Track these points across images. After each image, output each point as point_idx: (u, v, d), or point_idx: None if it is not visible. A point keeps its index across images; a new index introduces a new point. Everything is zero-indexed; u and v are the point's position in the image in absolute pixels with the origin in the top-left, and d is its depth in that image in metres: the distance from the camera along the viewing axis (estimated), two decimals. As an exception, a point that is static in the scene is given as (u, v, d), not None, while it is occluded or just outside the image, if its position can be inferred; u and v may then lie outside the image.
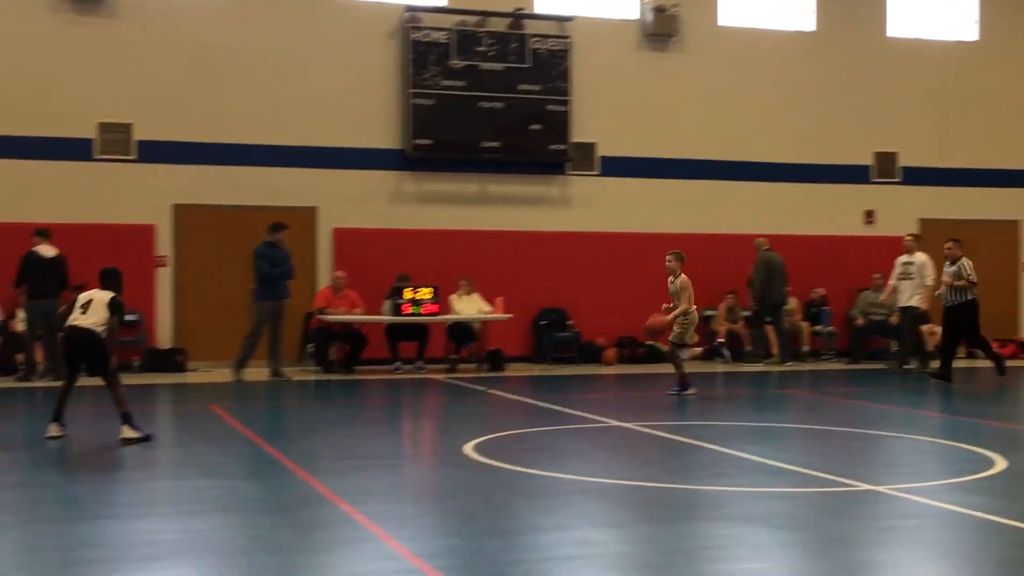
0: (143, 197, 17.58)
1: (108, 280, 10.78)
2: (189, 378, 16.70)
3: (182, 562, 6.16)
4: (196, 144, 17.85)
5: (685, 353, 14.51)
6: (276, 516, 7.33)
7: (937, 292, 16.17)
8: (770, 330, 18.97)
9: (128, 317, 17.24)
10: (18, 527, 7.00)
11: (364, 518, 7.10)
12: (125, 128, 17.56)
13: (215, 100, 17.96)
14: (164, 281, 17.81)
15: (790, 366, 18.52)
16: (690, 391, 14.08)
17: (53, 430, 10.42)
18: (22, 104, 17.12)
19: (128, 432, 10.26)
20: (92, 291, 10.68)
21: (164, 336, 17.73)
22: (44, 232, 15.89)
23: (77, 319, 10.40)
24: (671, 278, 14.13)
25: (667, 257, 14.17)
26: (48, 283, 15.68)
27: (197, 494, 8.01)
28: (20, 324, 16.46)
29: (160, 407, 14.26)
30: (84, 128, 17.36)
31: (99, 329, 10.37)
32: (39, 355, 16.11)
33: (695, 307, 14.06)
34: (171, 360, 17.27)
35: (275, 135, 18.20)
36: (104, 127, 17.48)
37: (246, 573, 5.95)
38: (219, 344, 17.51)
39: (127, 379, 16.13)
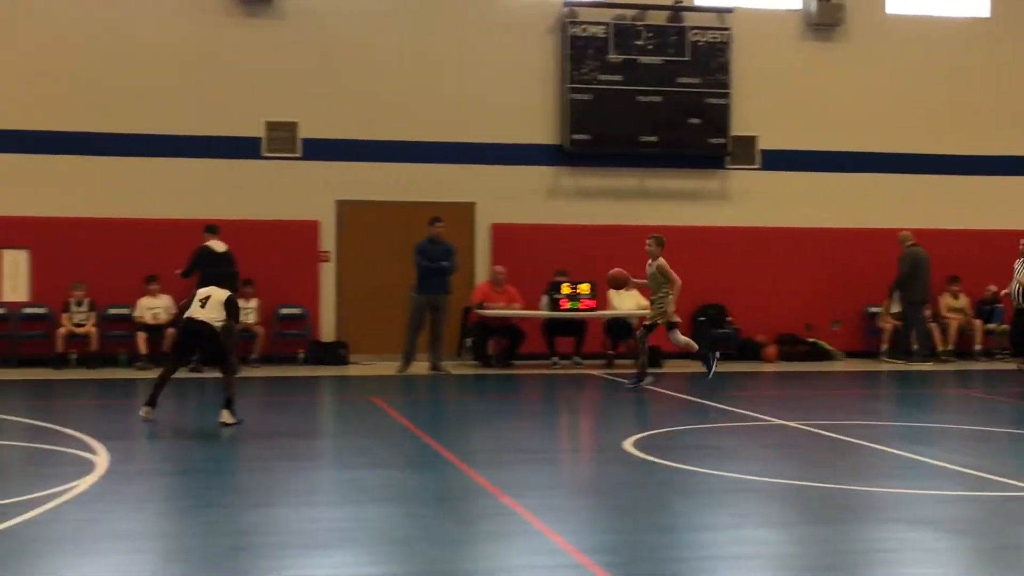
0: (307, 193, 18.03)
1: (226, 281, 11.57)
2: (351, 371, 17.06)
3: (348, 550, 6.28)
4: (358, 141, 18.21)
5: (679, 334, 14.32)
6: (438, 507, 7.41)
7: (1003, 291, 15.75)
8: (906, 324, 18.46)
9: (293, 311, 17.80)
10: (194, 511, 7.25)
11: (525, 511, 7.13)
12: (291, 127, 18.05)
13: (377, 98, 18.29)
14: (327, 276, 18.23)
15: (942, 365, 17.89)
16: (647, 381, 14.14)
17: (144, 412, 10.99)
18: (194, 104, 17.73)
19: (227, 416, 10.79)
20: (211, 288, 11.26)
21: (327, 329, 18.15)
22: (214, 228, 16.44)
23: (196, 312, 10.99)
24: (649, 261, 14.17)
25: (647, 241, 14.26)
26: (220, 277, 16.18)
27: (361, 484, 8.16)
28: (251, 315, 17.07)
29: (324, 399, 14.60)
30: (252, 127, 17.90)
31: (216, 324, 10.91)
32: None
33: (678, 292, 14.10)
34: (334, 353, 17.67)
35: (434, 132, 18.43)
36: (271, 126, 17.99)
37: (410, 562, 6.04)
38: (380, 338, 17.84)
39: (293, 371, 16.71)
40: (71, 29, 17.46)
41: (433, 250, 16.58)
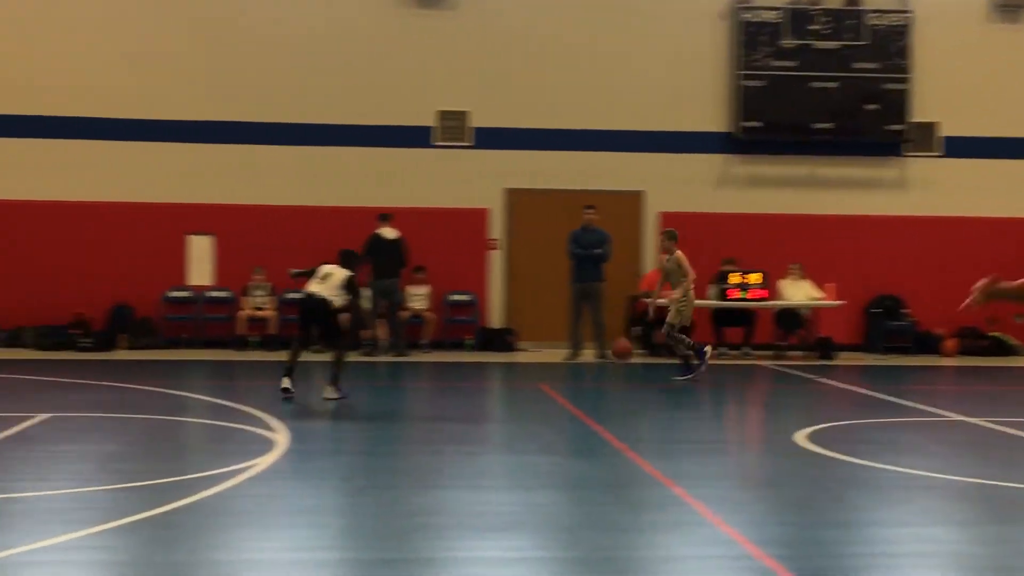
0: (477, 182, 18.25)
1: (347, 260, 11.78)
2: (518, 357, 17.21)
3: (518, 534, 6.34)
4: (528, 130, 18.33)
5: (686, 338, 13.85)
6: (607, 494, 7.42)
7: None
8: None
9: (462, 297, 18.05)
10: (368, 491, 7.44)
11: (694, 500, 7.07)
12: (462, 116, 18.29)
13: (546, 86, 18.36)
14: (496, 263, 18.42)
15: None
16: (702, 368, 13.59)
17: (285, 382, 11.43)
18: (368, 95, 18.14)
19: (330, 392, 11.35)
20: (333, 266, 11.58)
21: (495, 316, 18.35)
22: (386, 216, 16.79)
23: (314, 286, 11.40)
24: (666, 256, 13.80)
25: (661, 236, 14.16)
26: (390, 264, 16.60)
27: (531, 469, 8.23)
28: (365, 302, 17.50)
29: (492, 385, 14.76)
30: (424, 116, 18.20)
31: (334, 301, 11.31)
32: (382, 331, 17.08)
33: (693, 287, 13.75)
34: (502, 340, 17.85)
35: (603, 120, 18.41)
36: (443, 115, 18.27)
37: (579, 549, 6.07)
38: (547, 325, 17.95)
39: (461, 357, 16.95)
40: (248, 24, 18.07)
41: (586, 238, 16.63)
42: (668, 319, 13.82)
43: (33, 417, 10.08)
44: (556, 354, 16.81)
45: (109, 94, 17.66)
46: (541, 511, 6.93)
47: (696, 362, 13.68)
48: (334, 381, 11.35)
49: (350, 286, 11.47)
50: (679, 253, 13.79)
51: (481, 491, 7.49)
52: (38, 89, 17.55)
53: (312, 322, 11.68)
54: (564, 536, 6.33)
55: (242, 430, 9.60)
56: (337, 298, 11.31)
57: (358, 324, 11.57)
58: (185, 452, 9.18)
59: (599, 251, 16.57)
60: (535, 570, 5.70)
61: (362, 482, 7.74)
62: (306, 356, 16.28)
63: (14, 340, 17.04)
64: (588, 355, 16.54)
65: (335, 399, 11.27)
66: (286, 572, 5.53)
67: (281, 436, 9.21)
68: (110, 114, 17.67)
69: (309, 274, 11.82)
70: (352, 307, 11.48)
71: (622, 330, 17.83)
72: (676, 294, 13.75)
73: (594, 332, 16.61)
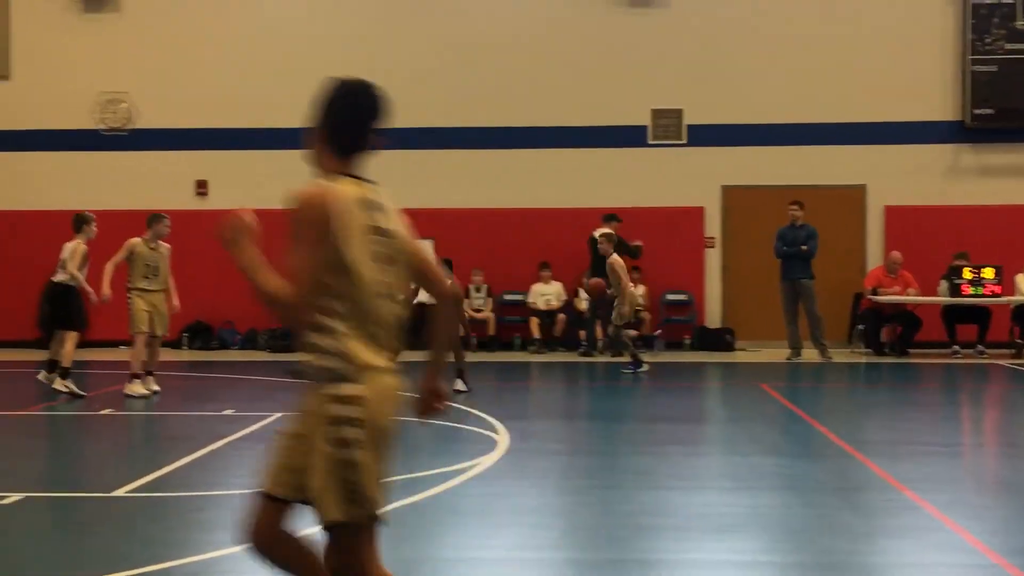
0: (693, 180, 18.03)
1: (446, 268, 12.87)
2: (738, 357, 16.91)
3: (745, 536, 6.21)
4: (743, 126, 18.00)
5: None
6: (836, 498, 7.18)
7: None
8: None
9: (679, 297, 17.88)
10: (591, 491, 7.43)
11: (929, 506, 6.77)
12: (676, 114, 18.11)
13: (761, 81, 17.97)
14: (712, 261, 18.16)
15: None
16: (643, 369, 13.96)
17: (460, 386, 12.14)
18: (581, 96, 18.18)
19: (459, 385, 12.06)
20: None
21: (713, 315, 18.09)
22: (612, 217, 16.80)
23: (421, 296, 12.36)
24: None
25: (599, 238, 14.46)
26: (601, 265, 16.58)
27: (756, 471, 8.06)
28: (583, 303, 17.57)
29: (711, 384, 14.56)
30: (639, 116, 18.12)
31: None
32: (599, 332, 17.13)
33: (631, 287, 14.28)
34: (720, 339, 17.58)
35: (822, 113, 17.88)
36: (657, 113, 18.14)
37: (811, 553, 5.89)
38: (766, 324, 17.56)
39: (680, 357, 16.77)
40: (468, 30, 18.39)
41: (793, 234, 16.19)
42: (613, 319, 14.26)
43: (269, 416, 10.53)
44: (776, 353, 16.43)
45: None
46: (767, 513, 6.77)
47: (641, 365, 14.11)
48: (460, 375, 12.15)
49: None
50: (614, 257, 14.23)
51: (704, 492, 7.38)
52: (272, 103, 18.33)
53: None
54: (793, 539, 6.16)
55: (465, 430, 9.76)
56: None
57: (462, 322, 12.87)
58: (410, 451, 9.36)
59: (805, 248, 16.11)
60: (763, 573, 5.56)
61: (584, 482, 7.74)
62: (525, 357, 16.48)
63: (249, 343, 17.89)
64: (811, 355, 16.08)
65: (463, 391, 12.01)
66: (511, 571, 5.57)
67: (503, 436, 9.32)
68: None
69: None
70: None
71: (846, 328, 17.32)
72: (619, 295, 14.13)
73: (811, 330, 16.16)
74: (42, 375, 12.24)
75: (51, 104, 18.46)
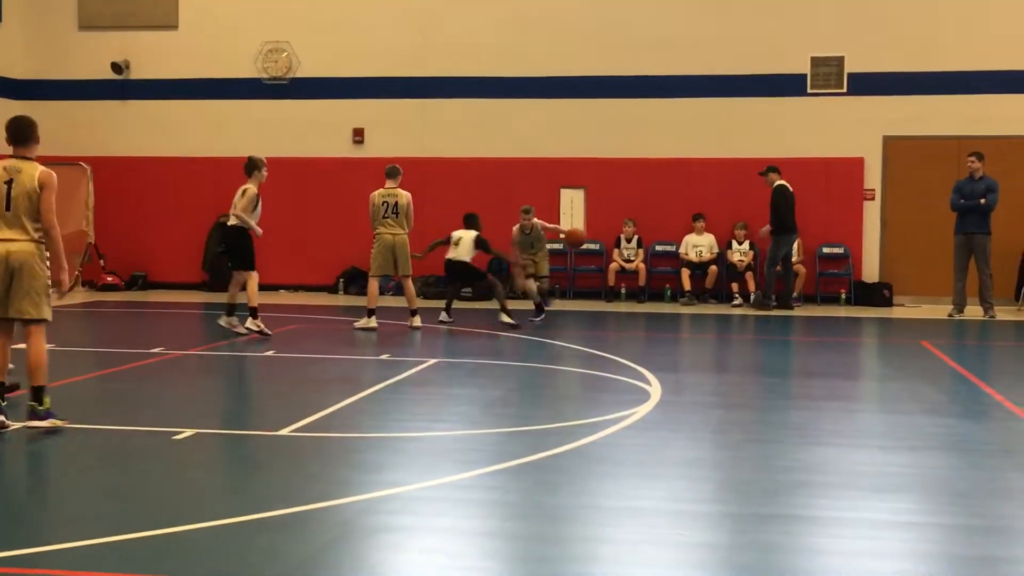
0: (853, 130, 17.53)
1: (471, 222, 14.34)
2: (896, 312, 16.46)
3: (906, 496, 6.08)
4: (907, 74, 17.39)
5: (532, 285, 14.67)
6: (1003, 459, 6.97)
7: None
8: None
9: (835, 250, 17.49)
10: (747, 445, 7.37)
11: (1105, 472, 6.51)
12: (837, 61, 17.59)
13: (926, 26, 17.33)
14: (871, 214, 17.67)
15: None
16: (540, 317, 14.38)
17: (443, 316, 13.87)
18: (738, 43, 17.80)
19: (506, 318, 13.55)
20: (461, 231, 14.11)
21: (871, 270, 17.63)
22: (773, 168, 16.54)
23: (452, 252, 13.91)
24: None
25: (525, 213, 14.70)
26: (792, 217, 16.36)
27: (917, 430, 7.86)
28: (736, 255, 17.34)
29: (869, 340, 14.23)
30: (797, 63, 17.67)
31: (470, 259, 13.93)
32: (751, 285, 16.96)
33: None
34: (878, 294, 17.14)
35: (991, 59, 17.15)
36: (816, 61, 17.65)
37: (976, 516, 5.73)
38: (927, 279, 17.09)
39: (835, 311, 16.45)
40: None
41: (971, 187, 15.55)
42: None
43: (425, 362, 10.73)
44: (938, 310, 15.96)
45: (487, 53, 18.36)
46: (930, 474, 6.62)
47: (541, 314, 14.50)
48: (504, 310, 13.64)
49: (481, 244, 13.98)
50: (536, 222, 14.76)
51: (863, 450, 7.24)
52: (428, 52, 18.50)
53: (459, 281, 14.42)
54: (958, 501, 6.01)
55: (617, 380, 9.78)
56: (471, 257, 13.89)
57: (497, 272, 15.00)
58: (564, 400, 9.48)
59: (983, 201, 15.49)
60: (927, 535, 5.44)
61: (739, 436, 7.68)
62: (675, 308, 16.38)
63: (401, 289, 18.15)
64: (974, 312, 15.56)
65: (512, 323, 13.43)
66: (668, 521, 5.59)
67: (655, 387, 9.31)
68: (487, 72, 18.38)
69: (445, 242, 14.17)
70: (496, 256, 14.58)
71: (1014, 286, 16.70)
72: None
73: (981, 287, 15.59)
74: (223, 320, 12.67)
75: (216, 54, 19.01)
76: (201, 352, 11.44)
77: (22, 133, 7.45)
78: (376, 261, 13.52)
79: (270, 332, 12.29)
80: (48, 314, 7.44)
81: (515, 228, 14.59)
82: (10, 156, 7.46)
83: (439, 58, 18.51)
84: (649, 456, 6.98)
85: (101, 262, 18.50)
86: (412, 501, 5.90)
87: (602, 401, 8.91)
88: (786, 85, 17.71)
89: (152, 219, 18.95)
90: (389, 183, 13.59)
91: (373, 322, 13.26)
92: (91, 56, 19.31)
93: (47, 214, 7.31)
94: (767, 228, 16.47)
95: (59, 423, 7.40)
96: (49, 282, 7.42)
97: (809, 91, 17.69)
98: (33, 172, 7.31)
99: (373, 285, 13.53)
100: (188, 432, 7.33)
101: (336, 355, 11.62)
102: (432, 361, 10.86)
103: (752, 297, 16.88)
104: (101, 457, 6.96)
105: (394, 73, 18.62)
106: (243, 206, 12.31)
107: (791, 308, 16.34)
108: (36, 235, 7.32)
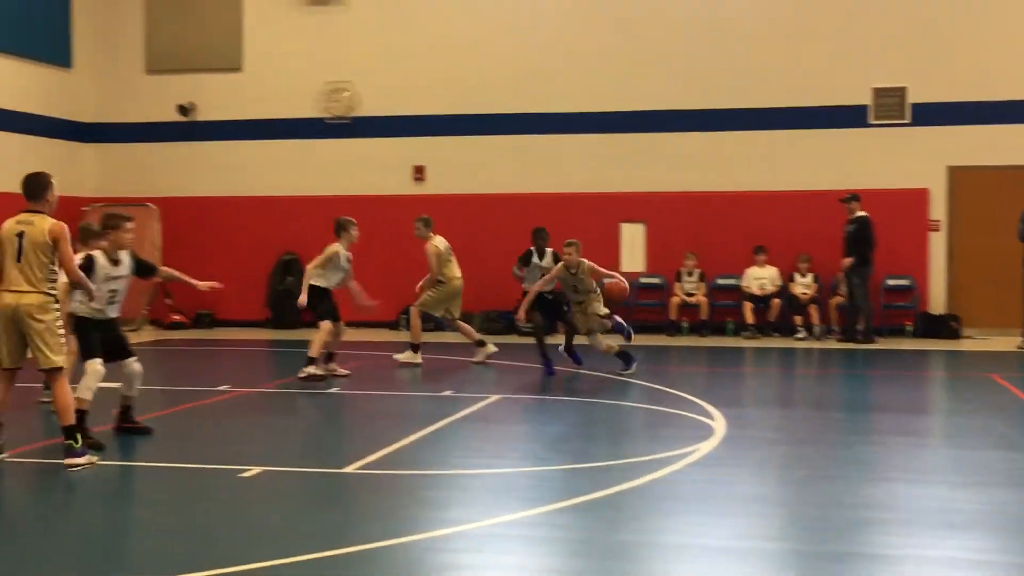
0: (917, 160, 17.35)
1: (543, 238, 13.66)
2: (964, 345, 16.21)
3: (979, 533, 5.98)
4: (971, 104, 17.18)
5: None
6: (1078, 497, 6.84)
7: None
8: None
9: (900, 282, 17.31)
10: (813, 481, 7.29)
11: None
12: (899, 92, 17.45)
13: (990, 57, 17.12)
14: (937, 245, 17.44)
15: None
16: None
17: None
18: (796, 75, 17.73)
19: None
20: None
21: (937, 301, 17.40)
22: (853, 197, 16.45)
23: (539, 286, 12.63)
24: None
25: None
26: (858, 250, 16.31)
27: (987, 466, 7.73)
28: (799, 288, 17.21)
29: (936, 373, 14.04)
30: (858, 94, 17.55)
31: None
32: (815, 318, 16.82)
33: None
34: (945, 326, 16.88)
35: (1060, 88, 16.94)
36: (878, 92, 17.52)
37: (1051, 554, 5.63)
38: (995, 311, 16.81)
39: (901, 344, 16.23)
40: (673, 11, 18.16)
41: (1043, 215, 15.32)
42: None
43: (487, 398, 10.77)
44: (1007, 342, 15.69)
45: (546, 88, 18.46)
46: (1001, 511, 6.50)
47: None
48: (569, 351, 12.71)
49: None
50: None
51: (931, 486, 7.13)
52: (488, 90, 18.63)
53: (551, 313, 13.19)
54: (1030, 539, 5.90)
55: (680, 415, 9.73)
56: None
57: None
58: (627, 436, 9.45)
59: (1050, 230, 15.24)
60: (998, 574, 5.34)
61: (805, 471, 7.60)
62: (738, 342, 16.28)
63: (465, 323, 18.22)
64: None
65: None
66: (734, 559, 5.54)
67: (719, 422, 9.25)
68: (546, 108, 18.47)
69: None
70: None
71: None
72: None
73: (1050, 318, 15.33)
74: (317, 369, 12.03)
75: (278, 94, 19.30)
76: (266, 390, 11.56)
77: (35, 189, 7.71)
78: (442, 304, 13.75)
79: (324, 375, 11.97)
80: (61, 361, 7.67)
81: (559, 266, 12.58)
82: (24, 210, 7.69)
83: (499, 94, 18.64)
84: (714, 493, 6.94)
85: (168, 301, 18.79)
86: (478, 539, 5.91)
87: (665, 437, 8.87)
88: (848, 117, 17.59)
89: (217, 257, 19.21)
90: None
91: (418, 357, 13.35)
92: (158, 99, 19.71)
93: (69, 264, 7.61)
94: (850, 261, 16.28)
95: (95, 460, 7.61)
96: (60, 330, 7.66)
97: (871, 122, 17.56)
98: (43, 225, 7.57)
99: (417, 320, 13.63)
100: (255, 470, 7.41)
101: (398, 391, 11.69)
102: (494, 397, 10.89)
103: (815, 330, 16.74)
104: (170, 495, 7.05)
105: (454, 110, 18.78)
106: (313, 263, 12.17)
107: (858, 341, 16.15)
108: (45, 286, 7.57)
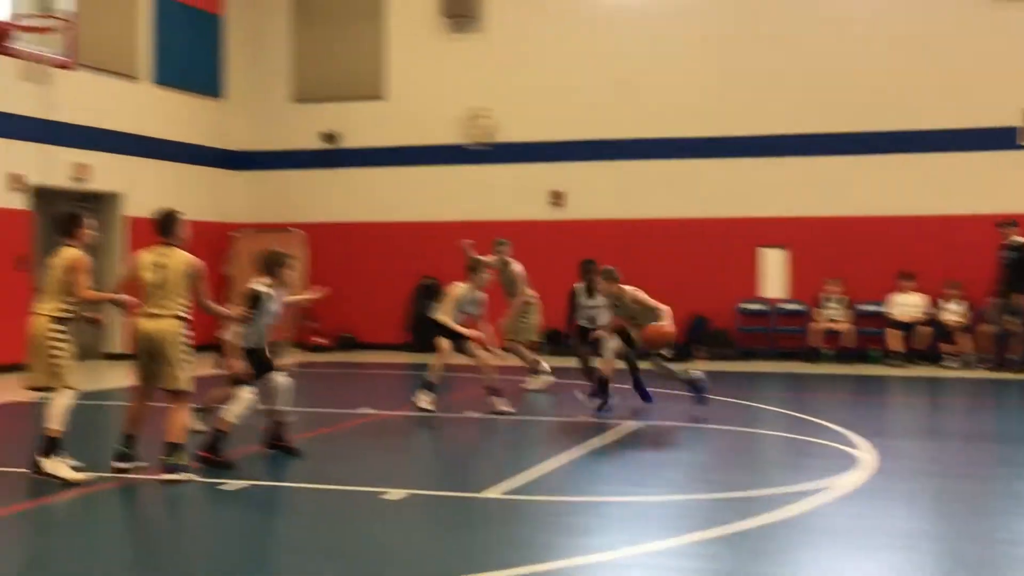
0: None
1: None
2: None
3: None
4: None
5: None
6: None
7: None
8: None
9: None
10: (973, 518, 7.03)
11: None
12: (1046, 112, 16.87)
13: None
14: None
15: None
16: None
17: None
18: (942, 97, 17.25)
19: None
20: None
21: (1096, 330, 16.66)
22: (1011, 223, 15.94)
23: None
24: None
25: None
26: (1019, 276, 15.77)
27: None
28: (948, 315, 16.69)
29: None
30: (1006, 116, 16.97)
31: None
32: (966, 346, 16.30)
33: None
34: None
35: None
36: (1030, 113, 16.97)
37: None
38: None
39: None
40: (818, 34, 17.89)
41: None
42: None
43: (626, 424, 10.69)
44: None
45: (685, 113, 18.36)
46: None
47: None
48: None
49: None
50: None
51: (1097, 525, 6.81)
52: (625, 116, 18.63)
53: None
54: None
55: (824, 445, 9.50)
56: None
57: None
58: (769, 465, 9.27)
59: None
60: None
61: (960, 507, 7.34)
62: (882, 370, 15.85)
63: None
64: None
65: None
66: (887, 596, 5.38)
67: (865, 453, 9.00)
68: (686, 132, 18.36)
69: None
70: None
71: None
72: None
73: None
74: (501, 403, 11.65)
75: (420, 121, 19.63)
76: (406, 413, 11.68)
77: (167, 225, 8.18)
78: (535, 327, 13.79)
79: (432, 409, 11.44)
80: (186, 385, 8.01)
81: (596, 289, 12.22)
82: (159, 243, 8.12)
83: (638, 119, 18.61)
84: (864, 527, 6.74)
85: (312, 324, 19.21)
86: (621, 568, 5.86)
87: (810, 467, 8.66)
88: (995, 138, 17.04)
89: (359, 282, 19.57)
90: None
91: (544, 378, 13.40)
92: (304, 127, 20.25)
93: (205, 297, 8.10)
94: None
95: (190, 476, 7.87)
96: (190, 355, 8.01)
97: (1020, 143, 16.96)
98: (183, 258, 8.03)
99: (523, 349, 13.51)
100: (398, 493, 7.49)
101: (538, 416, 11.70)
102: (633, 424, 10.81)
103: (966, 358, 16.21)
104: (315, 516, 7.18)
105: (594, 135, 18.82)
106: (442, 308, 11.71)
107: (1014, 370, 15.55)
108: (180, 313, 7.95)
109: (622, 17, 18.82)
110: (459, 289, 11.78)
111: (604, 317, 11.99)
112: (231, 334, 8.59)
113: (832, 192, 17.71)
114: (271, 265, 8.85)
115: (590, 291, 12.62)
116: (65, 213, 8.45)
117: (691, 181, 18.35)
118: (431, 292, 18.89)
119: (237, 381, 8.59)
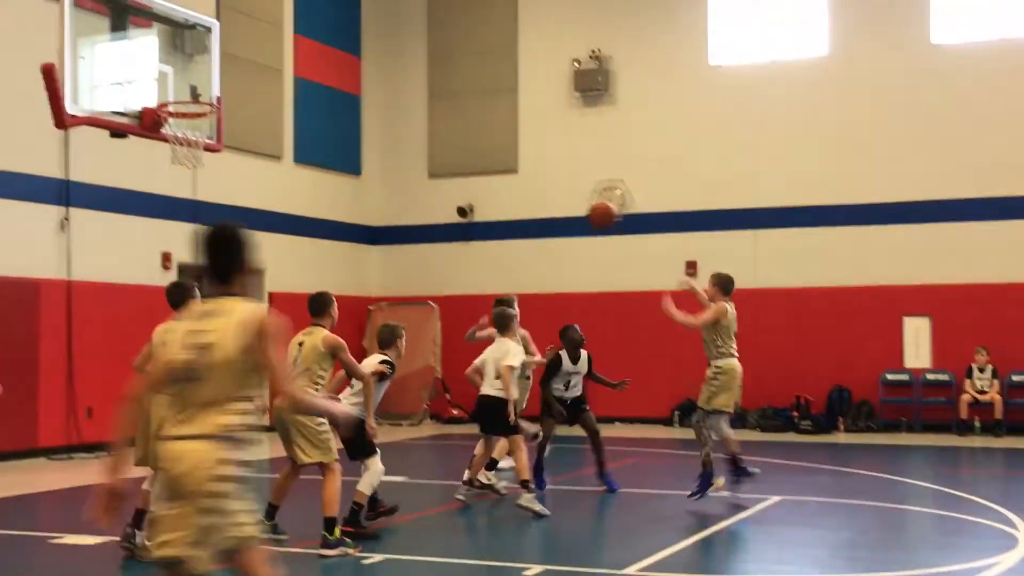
0: None
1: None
2: None
3: None
4: None
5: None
6: None
7: None
8: None
9: None
10: None
11: None
12: None
13: None
14: None
15: None
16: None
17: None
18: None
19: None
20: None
21: None
22: None
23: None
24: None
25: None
26: None
27: None
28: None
29: None
30: None
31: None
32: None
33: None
34: None
35: None
36: None
37: None
38: None
39: None
40: (956, 96, 17.47)
41: None
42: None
43: (767, 500, 10.44)
44: None
45: (818, 180, 18.09)
46: None
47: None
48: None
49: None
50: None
51: None
52: (757, 183, 18.46)
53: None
54: None
55: (977, 523, 9.11)
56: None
57: None
58: (920, 543, 8.93)
59: None
60: None
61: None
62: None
63: (738, 421, 17.87)
64: None
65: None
66: None
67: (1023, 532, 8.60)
68: (819, 200, 18.08)
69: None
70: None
71: None
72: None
73: None
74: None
75: (552, 194, 19.76)
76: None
77: (319, 306, 8.41)
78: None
79: (504, 492, 10.77)
80: (326, 457, 8.05)
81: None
82: (311, 324, 8.34)
83: (770, 188, 18.42)
84: (1023, 611, 6.43)
85: (447, 396, 19.34)
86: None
87: (963, 546, 8.31)
88: None
89: (493, 354, 19.65)
90: None
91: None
92: (439, 201, 20.58)
93: (355, 369, 8.29)
94: None
95: (349, 551, 7.84)
96: (325, 428, 8.05)
97: None
98: (319, 335, 8.19)
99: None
100: (536, 568, 7.43)
101: (675, 490, 11.51)
102: (775, 499, 10.55)
103: None
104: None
105: (725, 205, 18.68)
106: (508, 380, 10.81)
107: None
108: (314, 388, 7.99)
109: (753, 84, 18.73)
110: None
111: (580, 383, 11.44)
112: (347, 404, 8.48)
113: (977, 258, 17.18)
114: (392, 338, 8.94)
115: (574, 359, 11.68)
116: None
117: (826, 249, 18.01)
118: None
119: (368, 453, 8.53)
